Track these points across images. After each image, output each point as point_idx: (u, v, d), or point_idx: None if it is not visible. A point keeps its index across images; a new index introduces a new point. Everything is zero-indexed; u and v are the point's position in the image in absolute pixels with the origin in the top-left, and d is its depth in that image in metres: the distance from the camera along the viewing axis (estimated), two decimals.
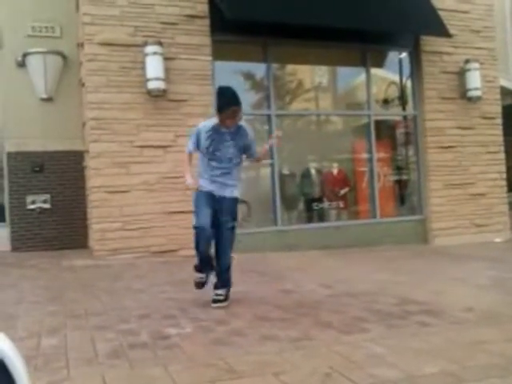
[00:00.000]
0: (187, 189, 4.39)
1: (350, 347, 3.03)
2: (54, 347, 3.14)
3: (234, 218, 4.27)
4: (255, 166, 8.70)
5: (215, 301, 4.14)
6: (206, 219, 4.07)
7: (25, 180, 8.18)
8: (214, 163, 4.19)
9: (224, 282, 4.21)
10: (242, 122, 4.25)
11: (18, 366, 1.13)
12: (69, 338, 3.32)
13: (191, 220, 7.03)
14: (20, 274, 6.21)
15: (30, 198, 8.18)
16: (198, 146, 4.21)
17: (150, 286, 5.20)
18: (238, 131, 4.20)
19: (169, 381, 2.54)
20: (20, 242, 8.12)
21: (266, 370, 2.66)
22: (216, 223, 4.14)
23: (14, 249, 8.08)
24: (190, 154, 4.32)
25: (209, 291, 4.33)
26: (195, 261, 4.27)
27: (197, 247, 4.15)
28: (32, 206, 8.18)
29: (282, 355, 2.89)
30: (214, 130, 4.14)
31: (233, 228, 4.24)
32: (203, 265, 4.22)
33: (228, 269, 4.23)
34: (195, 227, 4.13)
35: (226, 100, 4.05)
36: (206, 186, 4.20)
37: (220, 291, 4.18)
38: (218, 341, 3.20)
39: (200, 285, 4.29)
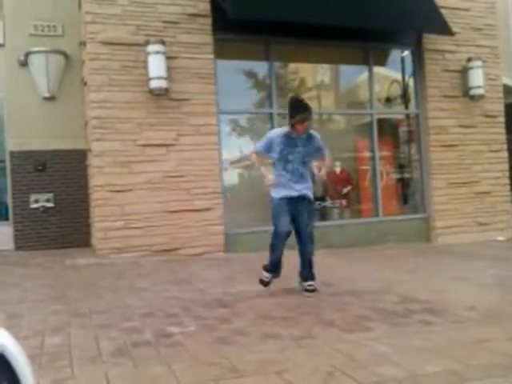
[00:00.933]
0: (267, 186, 4.65)
1: (352, 346, 3.03)
2: (58, 346, 3.15)
3: (311, 217, 4.75)
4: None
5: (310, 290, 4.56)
6: (286, 224, 4.53)
7: (28, 179, 8.20)
8: (288, 168, 4.56)
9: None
10: (312, 130, 4.69)
11: (19, 360, 1.14)
12: (73, 337, 3.34)
13: (193, 218, 7.04)
14: (23, 272, 6.23)
15: (33, 197, 8.20)
16: (269, 151, 4.61)
17: (153, 284, 5.21)
18: (309, 138, 4.61)
19: (172, 379, 2.55)
20: (23, 241, 8.14)
21: (268, 368, 2.67)
22: (296, 224, 4.61)
23: (18, 247, 8.10)
24: (258, 154, 4.77)
25: (206, 290, 4.34)
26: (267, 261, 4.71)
27: (274, 249, 4.61)
28: (35, 205, 8.20)
29: (285, 354, 2.90)
30: (286, 136, 4.54)
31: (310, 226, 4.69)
32: (273, 266, 4.68)
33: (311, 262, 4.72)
34: (276, 231, 4.55)
35: (297, 108, 4.48)
36: (283, 191, 4.56)
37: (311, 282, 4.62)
38: (220, 339, 3.21)
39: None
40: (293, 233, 4.63)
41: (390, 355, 2.83)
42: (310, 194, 4.67)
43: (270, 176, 4.56)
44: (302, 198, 4.58)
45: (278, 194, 4.56)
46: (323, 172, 4.79)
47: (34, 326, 3.61)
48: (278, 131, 4.72)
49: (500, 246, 8.24)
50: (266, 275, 4.70)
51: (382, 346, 2.98)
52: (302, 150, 4.56)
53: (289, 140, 4.53)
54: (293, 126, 4.46)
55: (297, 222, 4.58)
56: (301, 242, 4.65)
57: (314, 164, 4.83)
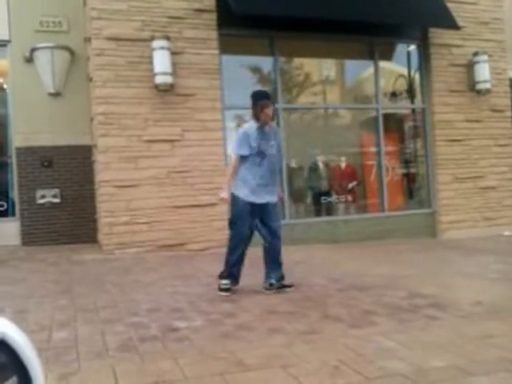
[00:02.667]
0: (221, 200, 4.71)
1: (358, 340, 3.04)
2: (65, 340, 3.17)
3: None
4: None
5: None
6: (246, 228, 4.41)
7: (34, 175, 8.23)
8: (262, 166, 4.41)
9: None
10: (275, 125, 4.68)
11: (22, 346, 1.14)
12: (79, 332, 3.35)
13: (198, 213, 7.03)
14: (30, 267, 6.26)
15: (39, 193, 8.23)
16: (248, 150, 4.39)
17: (158, 279, 5.23)
18: (275, 132, 4.59)
19: (179, 374, 2.56)
20: (30, 237, 8.18)
21: (274, 363, 2.68)
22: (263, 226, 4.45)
23: (24, 243, 8.14)
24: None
25: (212, 285, 4.36)
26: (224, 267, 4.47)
27: (234, 252, 4.44)
28: (41, 201, 8.23)
29: (291, 348, 2.90)
30: (259, 129, 4.42)
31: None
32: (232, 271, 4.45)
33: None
34: (235, 235, 4.43)
35: (259, 96, 4.52)
36: (251, 194, 4.40)
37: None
38: (226, 334, 3.22)
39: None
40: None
41: (395, 350, 2.83)
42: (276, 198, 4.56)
43: (225, 193, 4.47)
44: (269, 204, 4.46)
45: (246, 196, 4.38)
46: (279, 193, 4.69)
47: (41, 321, 3.63)
48: (250, 125, 4.51)
49: (506, 241, 8.21)
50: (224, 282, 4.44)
51: (388, 341, 2.98)
52: (274, 144, 4.48)
53: (262, 133, 4.42)
54: (258, 117, 4.39)
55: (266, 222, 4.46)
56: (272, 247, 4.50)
57: None
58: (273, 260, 4.47)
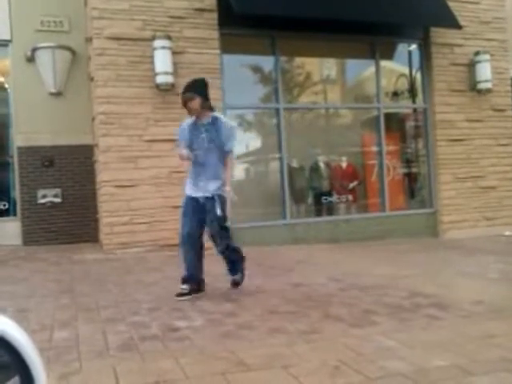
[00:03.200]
0: (182, 160, 4.40)
1: (359, 340, 3.03)
2: (66, 340, 3.17)
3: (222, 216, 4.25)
4: (263, 158, 8.73)
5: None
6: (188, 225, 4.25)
7: (35, 174, 8.24)
8: (196, 161, 4.27)
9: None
10: (219, 115, 4.41)
11: (22, 343, 1.14)
12: (80, 331, 3.36)
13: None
14: (31, 267, 6.27)
15: (40, 193, 8.24)
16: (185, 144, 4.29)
17: (159, 279, 5.23)
18: (213, 122, 4.30)
19: (180, 373, 2.56)
20: (31, 236, 8.19)
21: (275, 362, 2.68)
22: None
23: (26, 242, 8.15)
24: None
25: (212, 285, 4.36)
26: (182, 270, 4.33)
27: (183, 253, 4.32)
28: (43, 200, 8.24)
29: (291, 348, 2.90)
30: (192, 124, 4.31)
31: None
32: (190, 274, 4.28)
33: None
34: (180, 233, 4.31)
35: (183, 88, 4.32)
36: (190, 188, 4.32)
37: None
38: (227, 334, 3.22)
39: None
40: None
41: (396, 350, 2.83)
42: (218, 191, 4.25)
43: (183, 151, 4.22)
44: (208, 199, 4.25)
45: (187, 190, 4.35)
46: (228, 188, 4.31)
47: (42, 320, 3.64)
48: (186, 121, 4.42)
49: (507, 241, 8.20)
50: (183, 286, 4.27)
51: (389, 341, 2.97)
52: (205, 136, 4.24)
53: (194, 127, 4.30)
54: (190, 113, 4.29)
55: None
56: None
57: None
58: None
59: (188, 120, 4.39)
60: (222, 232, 4.30)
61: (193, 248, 4.27)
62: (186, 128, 4.33)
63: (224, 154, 4.32)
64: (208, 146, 4.24)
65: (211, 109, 4.37)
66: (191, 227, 4.24)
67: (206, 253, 4.46)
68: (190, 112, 4.27)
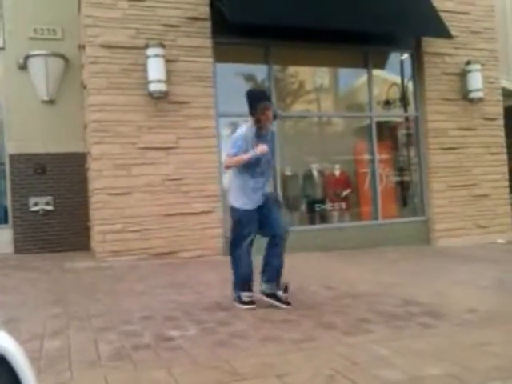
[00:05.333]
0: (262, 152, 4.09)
1: (353, 349, 3.03)
2: (58, 349, 3.14)
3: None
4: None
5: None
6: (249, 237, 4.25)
7: (27, 182, 8.20)
8: (259, 171, 4.21)
9: None
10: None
11: (20, 362, 1.13)
12: (72, 340, 3.33)
13: (192, 221, 7.00)
14: (22, 276, 6.21)
15: (32, 200, 8.19)
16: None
17: (152, 287, 5.20)
18: (272, 135, 4.41)
19: (172, 383, 2.54)
20: (23, 244, 8.13)
21: (268, 371, 2.66)
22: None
23: (17, 251, 8.09)
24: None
25: (206, 294, 4.34)
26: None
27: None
28: (35, 208, 8.20)
29: (285, 357, 2.89)
30: (257, 132, 4.17)
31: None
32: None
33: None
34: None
35: (258, 97, 4.21)
36: (249, 202, 4.20)
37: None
38: (220, 343, 3.21)
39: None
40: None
41: (390, 358, 2.82)
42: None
43: (259, 147, 4.06)
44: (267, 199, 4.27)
45: (244, 204, 4.19)
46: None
47: (33, 330, 3.60)
48: (246, 128, 4.23)
49: (500, 249, 8.23)
50: (248, 294, 4.20)
51: (383, 349, 2.97)
52: (271, 147, 4.26)
53: (260, 136, 4.18)
54: (258, 120, 4.11)
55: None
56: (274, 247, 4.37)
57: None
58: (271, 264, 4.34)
59: (246, 127, 4.23)
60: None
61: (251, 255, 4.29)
62: (253, 136, 4.15)
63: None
64: (270, 157, 4.31)
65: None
66: (252, 238, 4.26)
67: (199, 260, 4.43)
68: (266, 121, 4.14)
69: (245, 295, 4.17)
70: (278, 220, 4.28)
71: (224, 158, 4.40)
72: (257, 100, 4.13)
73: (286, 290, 4.20)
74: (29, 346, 3.13)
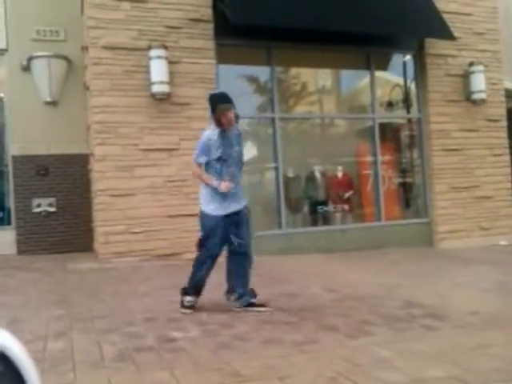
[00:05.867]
0: (225, 191, 4.08)
1: (355, 351, 3.03)
2: (61, 350, 3.15)
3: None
4: (259, 168, 8.74)
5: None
6: (218, 244, 4.13)
7: (30, 183, 8.22)
8: (227, 175, 4.12)
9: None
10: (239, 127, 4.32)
11: (22, 360, 1.14)
12: (75, 342, 3.34)
13: (194, 223, 7.02)
14: (25, 277, 6.23)
15: (35, 202, 8.21)
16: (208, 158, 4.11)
17: (154, 289, 5.20)
18: (240, 135, 4.27)
19: None
20: (25, 245, 8.15)
21: (270, 373, 2.67)
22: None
23: (20, 252, 8.11)
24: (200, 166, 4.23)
25: (208, 295, 4.35)
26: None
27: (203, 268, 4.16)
28: (37, 210, 8.21)
29: (287, 359, 2.89)
30: (221, 135, 4.09)
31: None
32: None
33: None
34: (206, 251, 4.13)
35: (218, 98, 4.13)
36: (219, 207, 4.11)
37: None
38: (223, 345, 3.21)
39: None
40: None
41: (392, 360, 2.82)
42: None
43: (219, 182, 4.04)
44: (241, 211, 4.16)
45: (214, 210, 4.09)
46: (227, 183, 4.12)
47: (37, 331, 3.61)
48: (209, 131, 4.16)
49: (503, 251, 8.22)
50: (190, 299, 4.16)
51: (385, 351, 2.97)
52: (238, 150, 4.17)
53: (225, 139, 4.10)
54: (219, 122, 4.04)
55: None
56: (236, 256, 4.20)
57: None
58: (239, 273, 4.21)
59: (210, 131, 4.18)
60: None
61: (210, 265, 4.18)
62: (217, 139, 4.08)
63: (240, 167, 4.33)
64: (239, 159, 4.22)
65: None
66: (220, 248, 4.16)
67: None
68: (228, 124, 4.06)
69: (187, 300, 4.14)
70: (242, 232, 4.16)
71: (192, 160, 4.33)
72: (217, 102, 4.09)
73: (254, 294, 4.18)
74: (32, 347, 3.13)
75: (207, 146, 4.09)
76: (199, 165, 4.19)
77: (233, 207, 4.13)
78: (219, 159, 4.08)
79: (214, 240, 4.10)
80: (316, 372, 2.67)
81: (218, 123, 4.06)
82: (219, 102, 4.07)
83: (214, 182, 4.06)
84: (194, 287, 4.18)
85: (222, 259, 4.30)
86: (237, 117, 4.19)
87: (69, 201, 8.38)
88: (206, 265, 4.15)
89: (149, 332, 3.53)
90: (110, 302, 4.63)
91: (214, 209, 4.10)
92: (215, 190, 4.06)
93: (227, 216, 4.11)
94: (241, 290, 4.15)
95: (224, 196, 4.08)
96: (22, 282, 5.81)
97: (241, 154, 4.25)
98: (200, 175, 4.20)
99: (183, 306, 4.13)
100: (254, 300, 4.16)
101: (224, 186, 4.01)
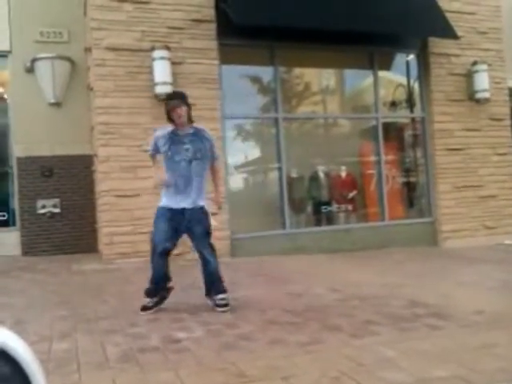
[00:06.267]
0: (159, 185, 4.31)
1: (359, 351, 3.03)
2: (65, 351, 3.16)
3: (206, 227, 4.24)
4: (262, 168, 8.75)
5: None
6: (163, 238, 4.16)
7: (34, 185, 8.24)
8: (175, 172, 4.17)
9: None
10: (201, 126, 4.34)
11: (23, 356, 1.14)
12: (79, 342, 3.35)
13: None
14: (30, 278, 6.25)
15: (40, 203, 8.24)
16: (157, 152, 4.29)
17: None
18: (196, 133, 4.23)
19: None
20: (30, 246, 8.18)
21: (275, 374, 2.67)
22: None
23: (25, 253, 8.13)
24: (153, 157, 4.39)
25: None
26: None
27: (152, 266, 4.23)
28: (42, 211, 8.24)
29: (292, 359, 2.90)
30: (172, 134, 4.19)
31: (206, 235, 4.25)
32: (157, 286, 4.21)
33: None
34: (154, 246, 4.19)
35: (167, 98, 4.34)
36: (166, 200, 4.21)
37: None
38: (227, 345, 3.22)
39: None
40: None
41: (396, 360, 2.82)
42: (205, 203, 4.24)
43: (162, 175, 4.16)
44: (195, 210, 4.17)
45: (162, 202, 4.21)
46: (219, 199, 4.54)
47: (41, 332, 3.63)
48: (162, 129, 4.28)
49: (507, 250, 8.19)
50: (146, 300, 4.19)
51: (389, 351, 2.97)
52: (189, 148, 4.13)
53: (174, 137, 4.16)
54: (169, 119, 4.15)
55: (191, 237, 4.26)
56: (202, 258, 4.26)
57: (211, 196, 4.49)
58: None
59: (163, 130, 4.26)
60: (210, 245, 4.27)
61: (165, 261, 4.22)
62: (166, 137, 4.18)
63: (213, 164, 4.39)
64: (193, 157, 4.15)
65: (192, 121, 4.28)
66: (166, 243, 4.16)
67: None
68: (178, 120, 4.12)
69: (145, 300, 4.19)
70: (196, 232, 4.21)
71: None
72: (168, 99, 4.27)
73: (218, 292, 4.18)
74: (37, 348, 3.15)
75: (155, 140, 4.28)
76: (153, 157, 4.37)
77: (184, 204, 4.14)
78: (166, 155, 4.18)
79: (157, 233, 4.17)
80: (320, 372, 2.67)
81: (169, 120, 4.17)
82: (169, 99, 4.25)
83: (155, 175, 4.28)
84: (148, 287, 4.23)
85: (232, 260, 4.31)
86: (192, 121, 4.24)
87: (73, 202, 8.40)
88: (153, 260, 4.20)
89: (153, 332, 3.54)
90: (114, 302, 4.64)
91: (162, 201, 4.23)
92: (168, 186, 4.18)
93: (178, 212, 4.13)
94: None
95: (176, 192, 4.16)
96: (27, 283, 5.83)
97: (197, 153, 4.16)
98: (153, 170, 4.37)
99: (141, 307, 4.15)
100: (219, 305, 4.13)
101: (159, 179, 4.16)
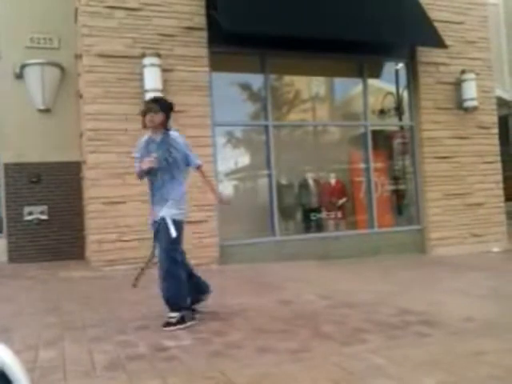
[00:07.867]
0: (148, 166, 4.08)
1: (349, 359, 3.02)
2: (52, 360, 3.12)
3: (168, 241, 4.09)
4: (252, 175, 8.74)
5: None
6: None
7: (22, 191, 8.17)
8: (149, 181, 4.16)
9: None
10: (172, 131, 4.20)
11: (18, 375, 1.13)
12: (66, 350, 3.30)
13: (188, 230, 6.99)
14: (17, 285, 6.18)
15: (27, 209, 8.17)
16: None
17: (147, 297, 5.16)
18: (164, 138, 4.07)
19: None
20: (17, 253, 8.09)
21: (264, 382, 2.65)
22: None
23: (11, 260, 8.05)
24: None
25: (207, 304, 4.32)
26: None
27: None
28: (29, 217, 8.16)
29: (281, 367, 2.88)
30: (146, 141, 4.14)
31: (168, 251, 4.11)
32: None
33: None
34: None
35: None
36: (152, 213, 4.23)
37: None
38: (216, 353, 3.19)
39: None
40: None
41: (386, 368, 2.81)
42: (169, 213, 4.03)
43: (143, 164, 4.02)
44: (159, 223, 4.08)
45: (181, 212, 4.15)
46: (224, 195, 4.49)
47: (28, 340, 3.57)
48: (142, 138, 4.22)
49: (495, 258, 8.25)
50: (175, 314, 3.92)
51: (379, 359, 2.96)
52: (159, 154, 3.98)
53: (147, 145, 4.10)
54: (142, 125, 4.07)
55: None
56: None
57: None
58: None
59: (145, 136, 4.20)
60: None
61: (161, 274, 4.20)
62: (142, 144, 4.15)
63: (198, 169, 4.31)
64: (160, 166, 4.00)
65: (167, 129, 4.15)
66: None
67: (195, 270, 4.40)
68: (148, 124, 4.02)
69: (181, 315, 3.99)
70: (160, 243, 4.25)
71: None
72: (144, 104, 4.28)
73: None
74: (23, 357, 3.10)
75: (137, 145, 4.26)
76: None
77: (157, 214, 4.13)
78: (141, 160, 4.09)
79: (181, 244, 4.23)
80: (310, 380, 2.65)
81: (143, 126, 4.11)
82: (145, 104, 4.27)
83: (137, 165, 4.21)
84: (179, 302, 4.03)
85: (220, 268, 4.29)
86: (162, 124, 4.11)
87: (61, 209, 8.34)
88: (179, 272, 4.23)
89: (141, 340, 3.50)
90: (102, 310, 4.60)
91: (182, 212, 4.20)
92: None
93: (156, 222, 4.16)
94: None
95: (152, 202, 4.23)
96: (14, 290, 5.76)
97: (162, 162, 4.00)
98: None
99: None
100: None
101: (143, 164, 4.01)
